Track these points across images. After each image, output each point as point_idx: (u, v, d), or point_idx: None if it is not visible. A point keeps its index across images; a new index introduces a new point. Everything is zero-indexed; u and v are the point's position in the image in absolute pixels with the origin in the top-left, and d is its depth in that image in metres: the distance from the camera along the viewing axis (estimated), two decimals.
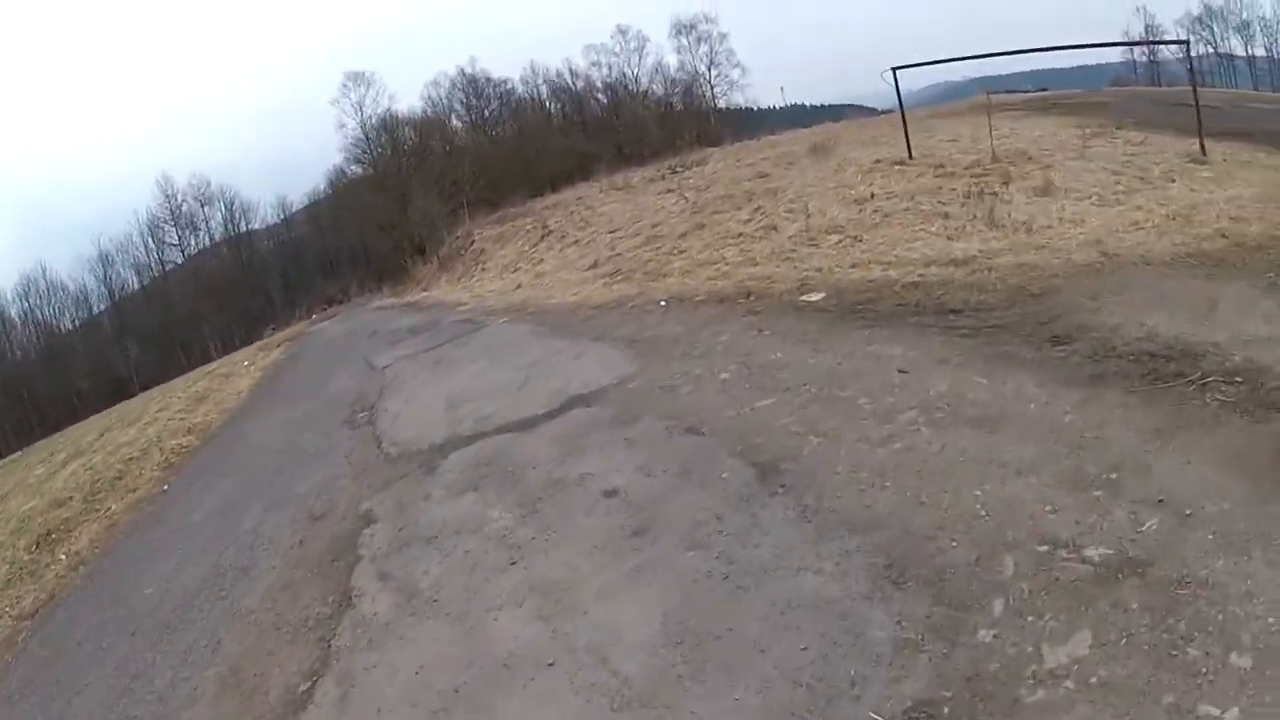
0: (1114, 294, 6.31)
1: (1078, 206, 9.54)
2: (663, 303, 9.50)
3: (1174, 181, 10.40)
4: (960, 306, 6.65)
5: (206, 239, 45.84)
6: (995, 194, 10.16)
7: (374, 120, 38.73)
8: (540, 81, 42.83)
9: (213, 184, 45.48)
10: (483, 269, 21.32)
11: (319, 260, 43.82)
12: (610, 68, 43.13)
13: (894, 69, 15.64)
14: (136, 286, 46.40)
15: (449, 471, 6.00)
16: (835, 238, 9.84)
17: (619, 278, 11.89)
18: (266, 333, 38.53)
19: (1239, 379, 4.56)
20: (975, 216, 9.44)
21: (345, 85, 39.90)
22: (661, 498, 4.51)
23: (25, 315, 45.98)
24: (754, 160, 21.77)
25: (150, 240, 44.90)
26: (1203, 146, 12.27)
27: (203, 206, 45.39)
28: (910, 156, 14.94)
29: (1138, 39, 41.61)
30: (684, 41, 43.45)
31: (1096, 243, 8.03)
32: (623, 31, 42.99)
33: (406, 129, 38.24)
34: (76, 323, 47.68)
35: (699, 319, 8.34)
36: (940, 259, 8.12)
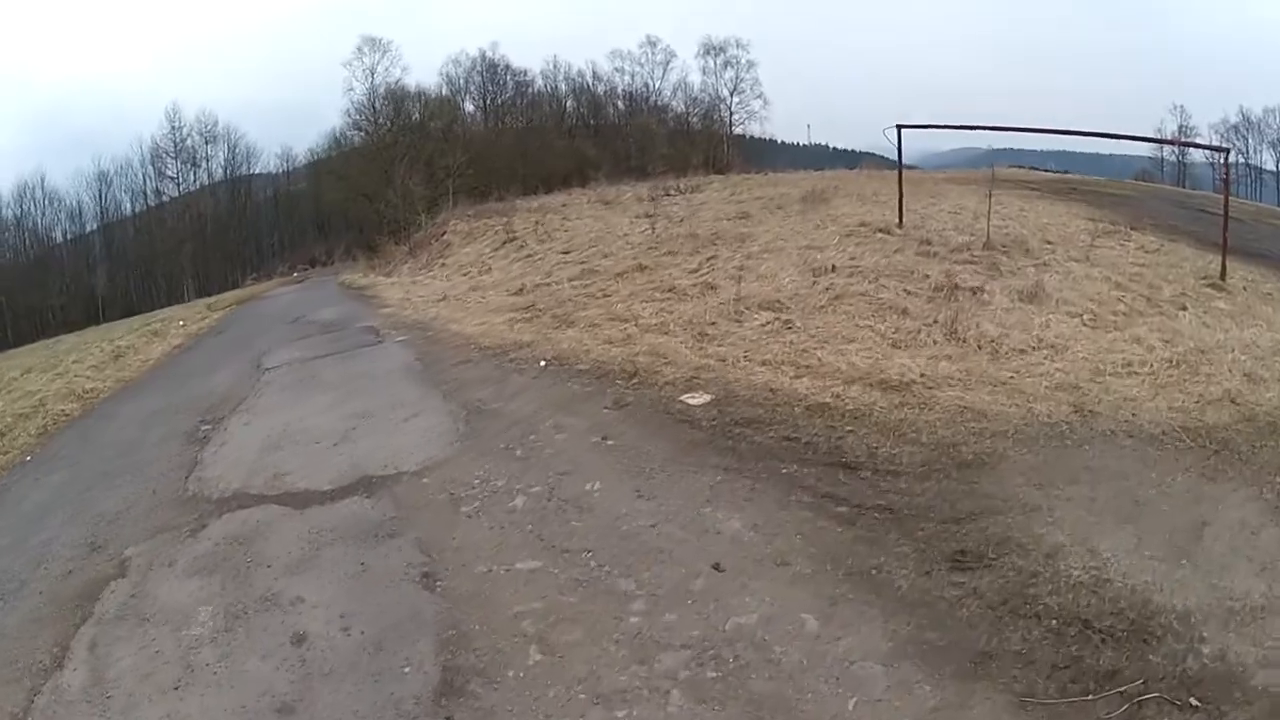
0: (1069, 483, 4.50)
1: (1064, 326, 7.72)
2: (542, 363, 7.84)
3: (1185, 310, 8.56)
4: (861, 460, 4.85)
5: (206, 177, 43.94)
6: (974, 292, 8.37)
7: (382, 89, 36.87)
8: (560, 78, 40.95)
9: (220, 123, 43.60)
10: (441, 264, 19.47)
11: (314, 217, 41.93)
12: (633, 76, 41.28)
13: (898, 127, 13.79)
14: (129, 212, 44.52)
15: (208, 539, 5.21)
16: (766, 317, 8.06)
17: (528, 315, 10.20)
18: (247, 281, 36.97)
19: (1196, 700, 2.82)
20: (937, 320, 7.64)
21: (360, 49, 37.87)
22: (334, 673, 3.59)
23: (19, 220, 44.16)
24: (745, 197, 20.01)
25: (150, 169, 43.04)
26: (1224, 269, 10.44)
27: (206, 144, 43.48)
28: (900, 224, 13.12)
29: (1172, 138, 39.44)
30: (710, 63, 41.27)
31: (1073, 388, 6.21)
32: (651, 43, 41.01)
33: (414, 103, 36.17)
34: (67, 236, 45.92)
35: (559, 398, 6.71)
36: (870, 376, 6.32)
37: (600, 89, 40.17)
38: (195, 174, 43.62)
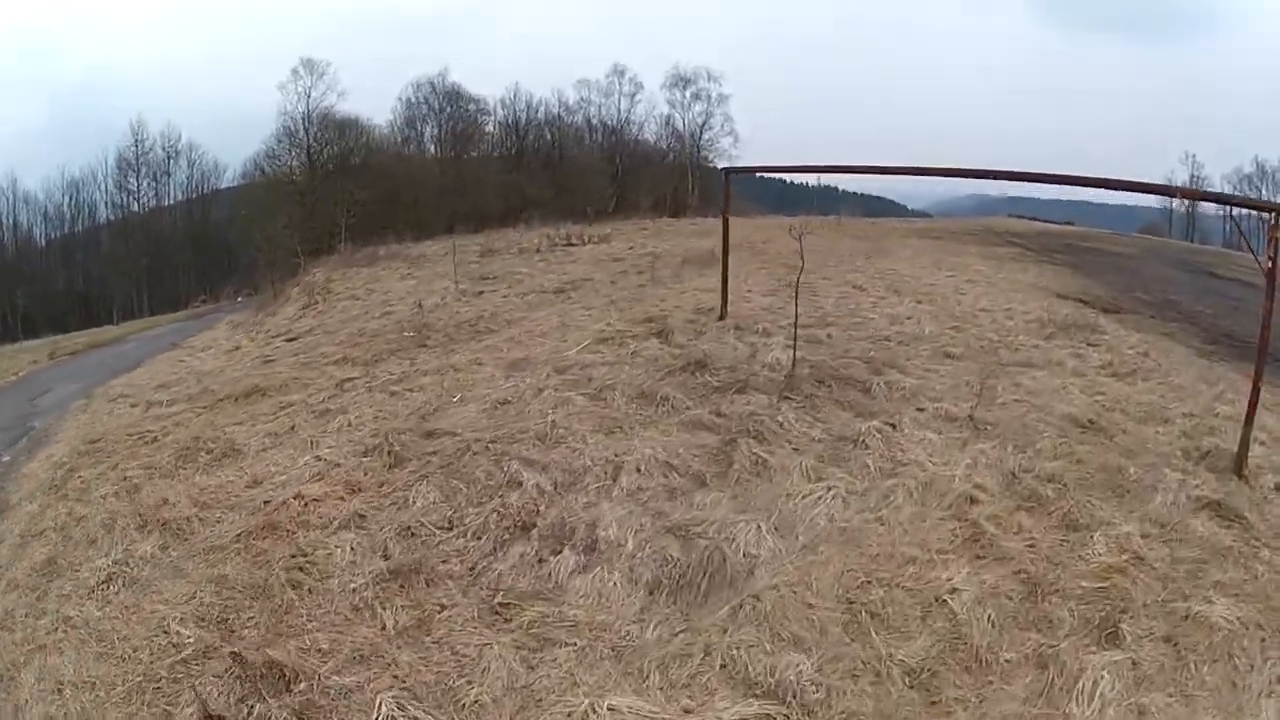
0: None
1: None
2: None
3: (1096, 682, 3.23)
4: None
5: (169, 193, 40.31)
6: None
7: (316, 115, 31.93)
8: (521, 106, 35.20)
9: (184, 138, 39.58)
10: (259, 327, 14.79)
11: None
12: (600, 107, 34.96)
13: (725, 171, 9.11)
14: (97, 222, 41.37)
15: None
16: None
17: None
18: (196, 300, 33.07)
19: None
20: None
21: (297, 70, 32.24)
22: None
23: None
24: (628, 255, 15.55)
25: (112, 181, 39.47)
26: (1244, 452, 4.98)
27: (169, 159, 39.69)
28: (722, 315, 7.98)
29: (1187, 188, 32.71)
30: (678, 96, 35.13)
31: None
32: (619, 72, 35.48)
33: (344, 132, 31.16)
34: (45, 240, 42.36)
35: None
36: None
37: (570, 119, 35.01)
38: (157, 188, 39.96)
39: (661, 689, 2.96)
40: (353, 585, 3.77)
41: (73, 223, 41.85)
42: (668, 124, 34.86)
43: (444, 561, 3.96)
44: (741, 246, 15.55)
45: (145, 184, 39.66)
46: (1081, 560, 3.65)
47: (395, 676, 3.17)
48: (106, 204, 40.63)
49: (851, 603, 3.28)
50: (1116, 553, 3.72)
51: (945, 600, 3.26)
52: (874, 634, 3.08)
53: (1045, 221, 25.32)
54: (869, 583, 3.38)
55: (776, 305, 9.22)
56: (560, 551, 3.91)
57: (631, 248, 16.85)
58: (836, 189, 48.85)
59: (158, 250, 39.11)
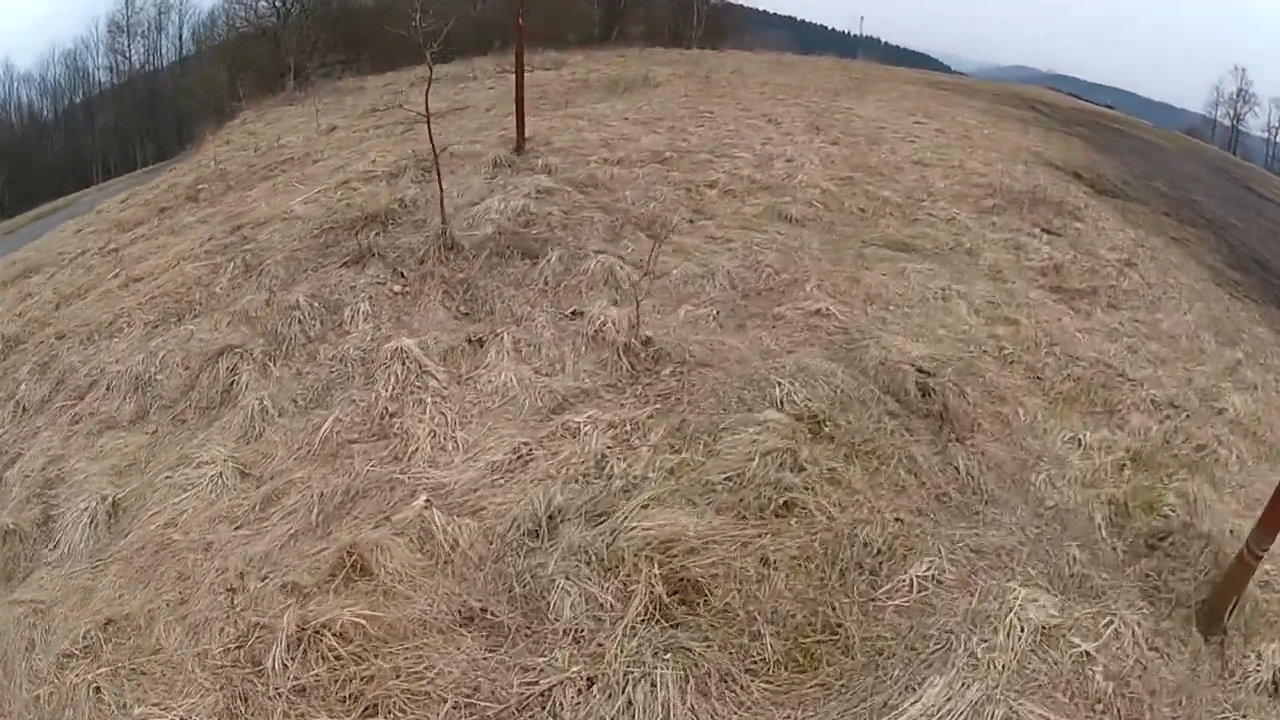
0: None
1: None
2: None
3: None
4: None
5: (161, 51, 36.95)
6: None
7: None
8: None
9: None
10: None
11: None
12: None
13: None
14: (84, 96, 38.43)
15: None
16: None
17: None
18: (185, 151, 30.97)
19: None
20: None
21: None
22: None
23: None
24: (554, 80, 12.70)
25: (104, 47, 35.80)
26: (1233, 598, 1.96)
27: (160, 14, 35.35)
28: (519, 150, 5.46)
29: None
30: None
31: None
32: None
33: None
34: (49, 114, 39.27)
35: None
36: None
37: None
38: (148, 47, 36.60)
39: None
40: None
41: (71, 93, 39.02)
42: None
43: None
44: (699, 74, 12.62)
45: (137, 44, 36.45)
46: None
47: None
48: (96, 69, 37.67)
49: None
50: None
51: None
52: None
53: (1081, 98, 21.17)
54: None
55: (631, 136, 6.67)
56: None
57: (575, 75, 14.06)
58: (879, 41, 43.05)
59: (151, 108, 36.30)
